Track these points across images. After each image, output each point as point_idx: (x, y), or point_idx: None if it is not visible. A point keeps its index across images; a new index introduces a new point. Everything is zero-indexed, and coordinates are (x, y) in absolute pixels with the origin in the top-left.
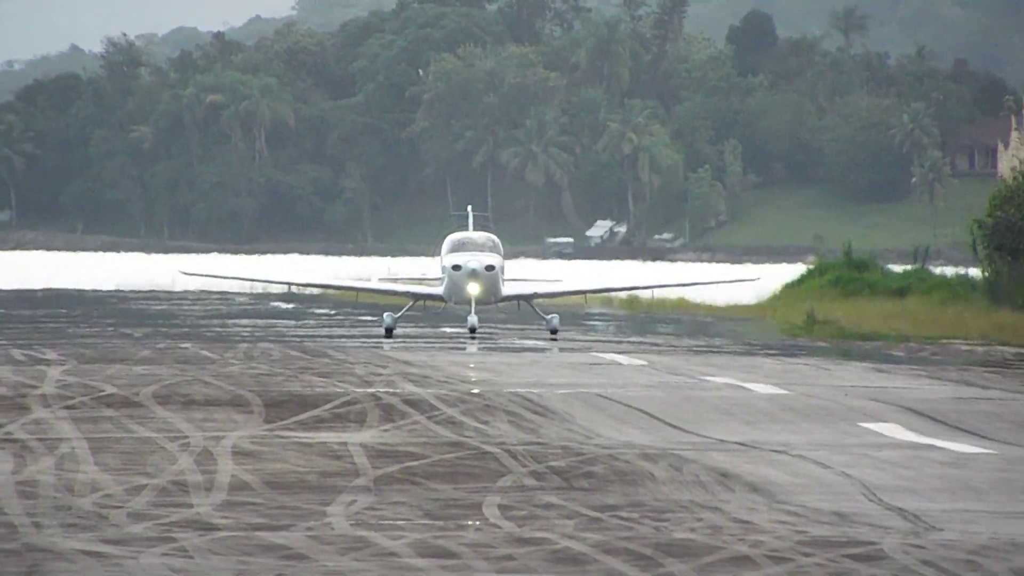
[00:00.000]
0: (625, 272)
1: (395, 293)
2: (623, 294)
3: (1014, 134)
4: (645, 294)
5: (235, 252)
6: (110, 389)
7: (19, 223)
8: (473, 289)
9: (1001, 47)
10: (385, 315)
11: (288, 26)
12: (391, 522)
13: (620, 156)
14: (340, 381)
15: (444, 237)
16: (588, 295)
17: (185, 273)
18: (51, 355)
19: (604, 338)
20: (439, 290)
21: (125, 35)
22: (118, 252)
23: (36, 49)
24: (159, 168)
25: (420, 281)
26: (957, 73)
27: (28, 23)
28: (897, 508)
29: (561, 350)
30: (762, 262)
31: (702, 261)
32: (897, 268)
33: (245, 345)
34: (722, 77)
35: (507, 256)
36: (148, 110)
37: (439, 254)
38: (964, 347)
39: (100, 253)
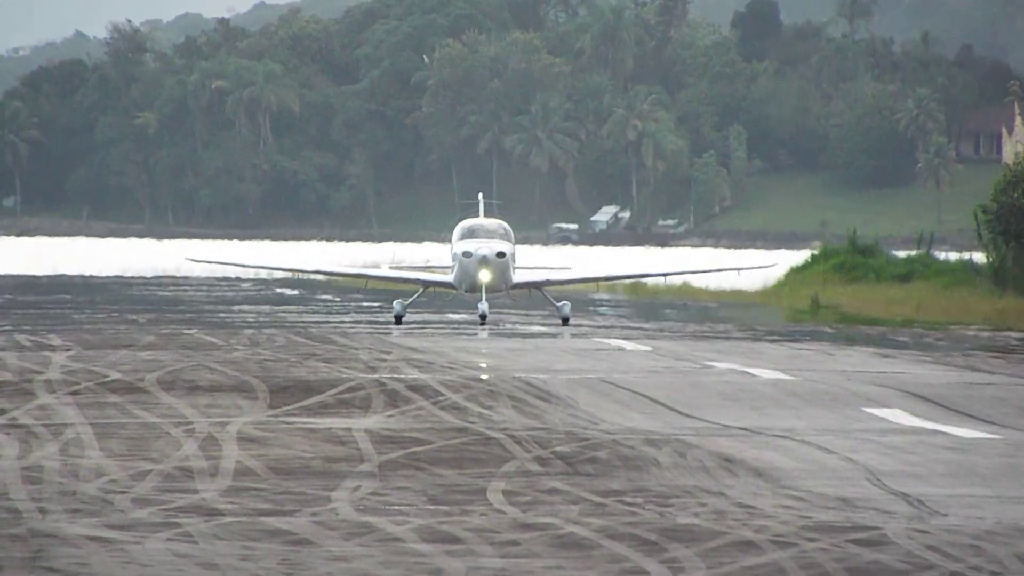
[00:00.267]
0: (633, 258)
1: (405, 280)
2: (626, 280)
3: (1018, 119)
4: (650, 280)
5: (240, 238)
6: (115, 375)
7: (24, 209)
8: (483, 276)
9: (1006, 33)
10: (395, 302)
11: (293, 12)
12: (396, 507)
13: (625, 142)
14: (345, 367)
15: (449, 223)
16: (600, 282)
17: (192, 259)
18: (56, 341)
19: (608, 323)
20: (449, 277)
21: (129, 21)
22: (123, 238)
23: (41, 35)
24: (164, 154)
25: (427, 268)
26: (962, 59)
27: (33, 10)
28: (901, 493)
29: (573, 336)
30: (766, 248)
31: (706, 247)
32: (901, 254)
33: (250, 331)
34: (727, 63)
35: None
36: (153, 96)
37: (447, 240)
38: (969, 332)
39: (105, 239)
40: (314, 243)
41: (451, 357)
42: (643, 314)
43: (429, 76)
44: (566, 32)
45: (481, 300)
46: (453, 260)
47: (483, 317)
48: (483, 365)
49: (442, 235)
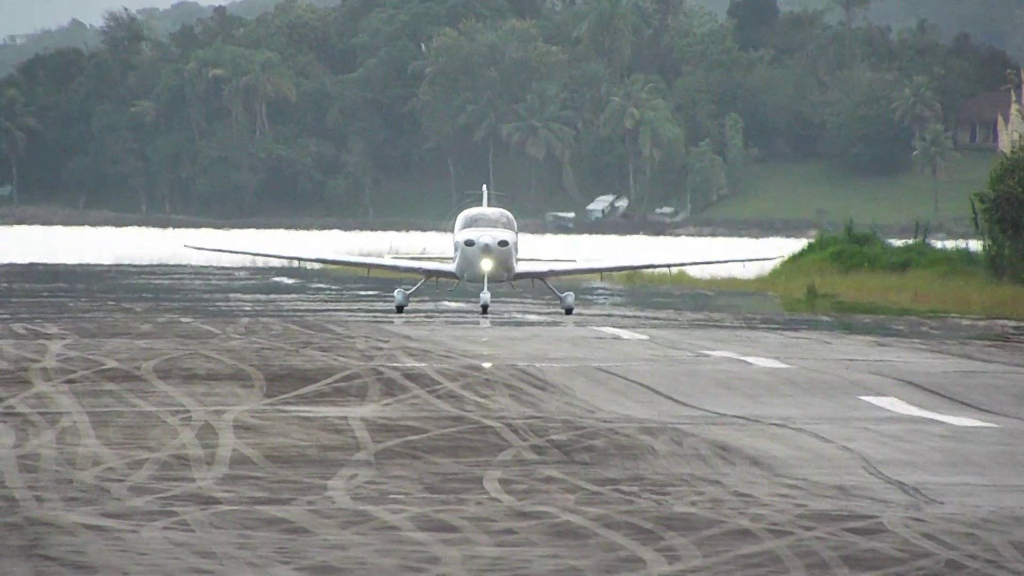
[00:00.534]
0: (632, 248)
1: (407, 270)
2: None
3: (1014, 107)
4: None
5: (237, 227)
6: (111, 363)
7: (20, 198)
8: (486, 265)
9: (1003, 21)
10: (396, 292)
11: (289, 1)
12: (392, 496)
13: (621, 131)
14: (341, 355)
15: (445, 211)
16: (603, 273)
17: (191, 247)
18: (52, 329)
19: (605, 312)
20: (451, 266)
21: (126, 10)
22: (120, 227)
23: (37, 23)
24: (160, 143)
25: (423, 257)
26: (959, 47)
27: None
28: (897, 482)
29: (569, 325)
30: (763, 236)
31: (703, 235)
32: (898, 242)
33: (247, 319)
34: (723, 51)
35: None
36: (150, 85)
37: (449, 230)
38: (965, 321)
39: (101, 228)
40: (311, 232)
41: (448, 346)
42: (639, 303)
43: (426, 65)
44: (563, 20)
45: (483, 290)
46: (455, 249)
47: (485, 307)
48: (485, 353)
49: (439, 224)
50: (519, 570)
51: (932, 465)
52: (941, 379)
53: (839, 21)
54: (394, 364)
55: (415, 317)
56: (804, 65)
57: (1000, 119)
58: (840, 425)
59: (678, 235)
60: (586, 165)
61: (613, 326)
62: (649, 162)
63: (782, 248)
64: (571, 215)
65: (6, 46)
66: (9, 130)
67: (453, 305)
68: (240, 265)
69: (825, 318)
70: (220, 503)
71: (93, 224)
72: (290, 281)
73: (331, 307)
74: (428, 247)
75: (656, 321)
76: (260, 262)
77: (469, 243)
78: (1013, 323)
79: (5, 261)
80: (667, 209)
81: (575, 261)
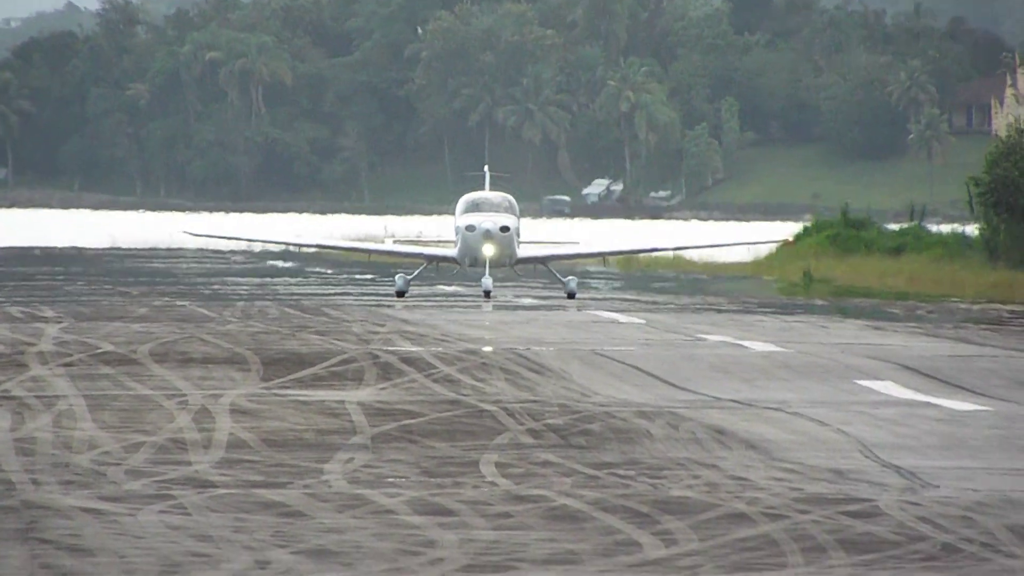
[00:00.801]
0: (631, 232)
1: (408, 255)
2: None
3: (1009, 91)
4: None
5: (232, 210)
6: (107, 347)
7: (15, 181)
8: (487, 250)
9: (998, 5)
10: (397, 277)
11: None
12: (388, 480)
13: (617, 114)
14: (338, 339)
15: (440, 195)
16: (607, 257)
17: (189, 233)
18: (48, 313)
19: (601, 296)
20: (453, 251)
21: None
22: (115, 210)
23: (32, 6)
24: (156, 126)
25: (424, 242)
26: (954, 31)
27: None
28: (893, 465)
29: (566, 309)
30: (759, 220)
31: (699, 219)
32: (894, 226)
33: (243, 303)
34: (719, 35)
35: None
36: (145, 68)
37: (447, 213)
38: (960, 305)
39: (97, 211)
40: (307, 216)
41: (444, 330)
42: (636, 286)
43: (422, 48)
44: (559, 4)
45: (485, 275)
46: (456, 234)
47: (487, 292)
48: (486, 337)
49: (436, 208)
50: (515, 553)
51: (928, 449)
52: (937, 363)
53: (835, 5)
54: (391, 348)
55: (412, 301)
56: (800, 49)
57: (994, 102)
58: (836, 409)
59: (674, 219)
60: (582, 149)
61: (610, 310)
62: (645, 146)
63: (779, 232)
64: (567, 199)
65: (1, 29)
66: (4, 113)
67: (451, 289)
68: (236, 249)
69: (821, 302)
70: (217, 487)
71: (88, 207)
72: (286, 265)
73: (329, 291)
74: (424, 231)
75: (653, 305)
76: (257, 246)
77: (470, 228)
78: (1008, 307)
79: (1, 244)
80: (663, 193)
81: (578, 245)
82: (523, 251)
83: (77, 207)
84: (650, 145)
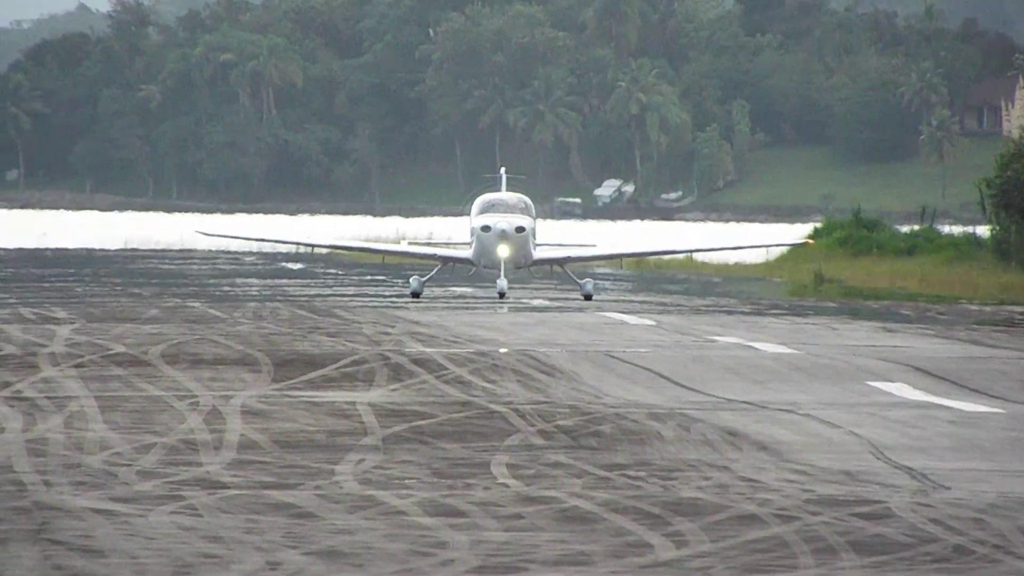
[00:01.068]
0: (644, 234)
1: (423, 256)
2: (650, 256)
3: (1020, 92)
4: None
5: (243, 212)
6: (119, 348)
7: (27, 182)
8: (502, 251)
9: (1011, 6)
10: (412, 279)
11: None
12: (399, 481)
13: (628, 116)
14: (349, 340)
15: (451, 197)
16: (624, 259)
17: (202, 233)
18: (60, 314)
19: (612, 298)
20: (468, 253)
21: None
22: (126, 211)
23: (44, 8)
24: (167, 127)
25: (439, 244)
26: (966, 32)
27: None
28: (905, 467)
29: (575, 310)
30: (770, 222)
31: (710, 221)
32: (905, 228)
33: (254, 304)
34: (730, 36)
35: None
36: (156, 69)
37: (460, 215)
38: (972, 306)
39: (108, 212)
40: (319, 217)
41: (455, 331)
42: (646, 288)
43: (433, 50)
44: (569, 5)
45: (500, 276)
46: (471, 235)
47: (502, 294)
48: (502, 339)
49: (447, 209)
50: (526, 555)
51: (939, 450)
52: (948, 364)
53: (846, 6)
54: (402, 349)
55: (427, 303)
56: (811, 50)
57: (1004, 104)
58: (847, 410)
59: (685, 220)
60: (593, 150)
61: (620, 311)
62: (656, 147)
63: (790, 234)
64: (578, 200)
65: (13, 31)
66: (16, 115)
67: (463, 291)
68: (247, 250)
69: (832, 304)
70: (228, 488)
71: (99, 209)
72: (297, 266)
73: (339, 292)
74: (435, 232)
75: (663, 306)
76: (267, 247)
77: (485, 229)
78: (1020, 308)
79: (12, 245)
80: (674, 194)
81: (595, 247)
82: (539, 252)
83: (89, 208)
84: (661, 147)
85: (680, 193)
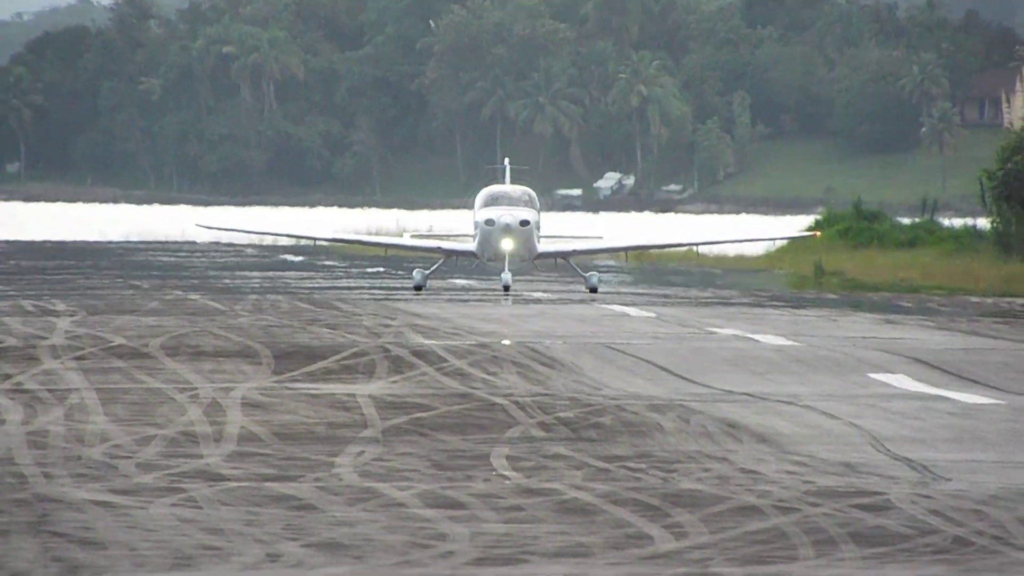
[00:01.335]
0: (646, 226)
1: (426, 249)
2: (656, 249)
3: (1021, 84)
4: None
5: (244, 204)
6: (119, 340)
7: (28, 175)
8: (506, 245)
9: None
10: (415, 272)
11: None
12: (399, 473)
13: (629, 108)
14: (348, 333)
15: (452, 189)
16: (628, 252)
17: (203, 226)
18: (60, 306)
19: (613, 290)
20: (472, 246)
21: None
22: (127, 204)
23: (45, 1)
24: (168, 120)
25: (443, 236)
26: (967, 24)
27: None
28: (905, 458)
29: (575, 302)
30: (771, 214)
31: (710, 213)
32: (906, 220)
33: (254, 297)
34: (731, 28)
35: None
36: (157, 62)
37: (464, 207)
38: (973, 298)
39: (109, 205)
40: (319, 209)
41: (455, 323)
42: (647, 280)
43: (434, 42)
44: None
45: (504, 270)
46: (475, 228)
47: (506, 287)
48: (503, 330)
49: (447, 202)
50: (526, 546)
51: (940, 442)
52: (949, 356)
53: None
54: (402, 341)
55: (427, 295)
56: (812, 42)
57: (1005, 96)
58: (847, 402)
59: (685, 212)
60: (593, 142)
61: (621, 303)
62: (656, 139)
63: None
64: (578, 192)
65: (13, 23)
66: (17, 108)
67: (466, 283)
68: (248, 243)
69: (833, 295)
70: (228, 480)
71: (100, 201)
72: (297, 258)
73: (339, 284)
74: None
75: (664, 298)
76: (268, 240)
77: (489, 222)
78: (1021, 300)
79: (13, 238)
80: (674, 187)
81: (601, 239)
82: (544, 245)
83: (89, 201)
84: (662, 139)
85: (681, 185)
